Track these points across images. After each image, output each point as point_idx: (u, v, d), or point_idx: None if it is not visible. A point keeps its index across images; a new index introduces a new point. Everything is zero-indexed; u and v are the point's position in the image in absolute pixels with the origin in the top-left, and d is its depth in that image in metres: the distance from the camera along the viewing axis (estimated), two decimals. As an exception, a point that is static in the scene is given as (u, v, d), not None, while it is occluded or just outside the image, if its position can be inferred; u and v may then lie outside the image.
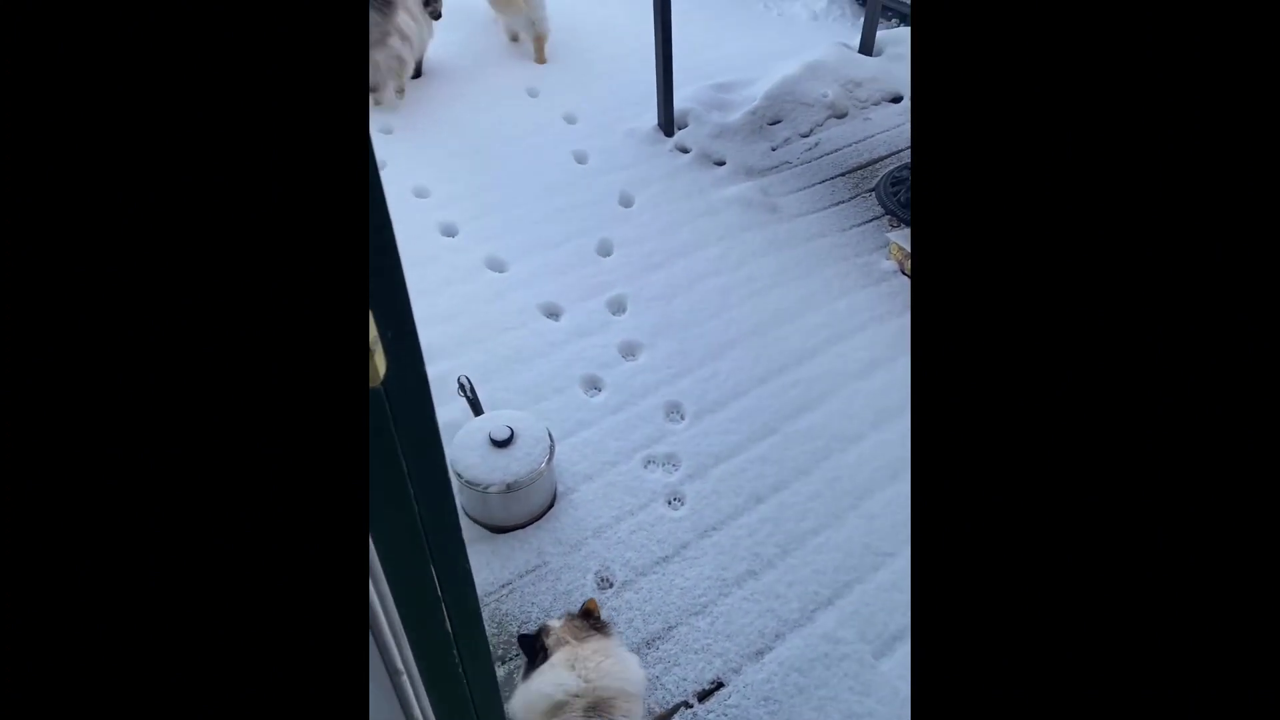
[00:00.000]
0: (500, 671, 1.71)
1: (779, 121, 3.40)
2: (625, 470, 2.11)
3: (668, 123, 3.33)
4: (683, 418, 2.26)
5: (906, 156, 3.21)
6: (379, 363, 0.70)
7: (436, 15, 3.72)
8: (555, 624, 1.50)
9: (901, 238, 2.74)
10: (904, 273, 2.68)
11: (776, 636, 1.78)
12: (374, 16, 3.38)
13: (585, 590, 1.87)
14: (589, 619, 1.50)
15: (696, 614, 1.83)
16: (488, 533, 1.98)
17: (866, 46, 3.72)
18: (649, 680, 1.67)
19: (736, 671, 1.73)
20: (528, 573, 1.91)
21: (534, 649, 1.47)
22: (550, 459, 1.95)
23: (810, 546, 1.95)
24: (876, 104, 3.53)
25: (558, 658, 1.41)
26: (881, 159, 3.22)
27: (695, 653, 1.76)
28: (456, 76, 3.78)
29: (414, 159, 3.25)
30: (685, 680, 1.72)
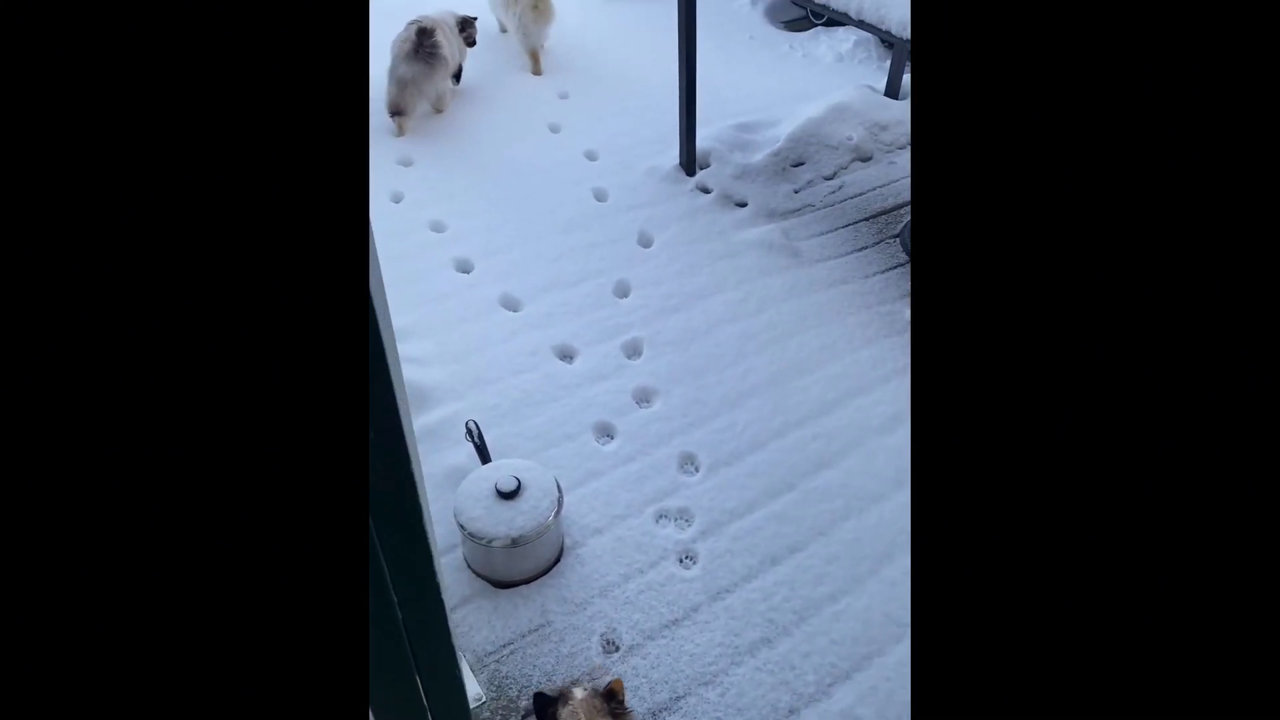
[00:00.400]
0: (497, 740, 1.63)
1: (802, 163, 3.35)
2: (636, 525, 2.03)
3: (689, 162, 3.29)
4: (697, 470, 2.18)
5: (932, 202, 3.13)
6: None
7: (471, 42, 3.83)
8: (577, 695, 1.40)
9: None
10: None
11: (790, 712, 1.69)
12: (420, 67, 3.42)
13: (590, 654, 1.78)
14: (612, 701, 1.41)
15: (706, 684, 1.73)
16: (490, 587, 1.90)
17: (892, 89, 3.68)
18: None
19: (747, 749, 1.63)
20: (530, 632, 1.82)
21: (546, 715, 1.39)
22: (558, 512, 1.87)
23: (828, 614, 1.86)
24: (902, 148, 3.47)
25: None
26: (906, 204, 3.15)
27: (704, 727, 1.67)
28: (479, 109, 3.76)
29: (432, 192, 3.22)
30: (692, 757, 1.63)
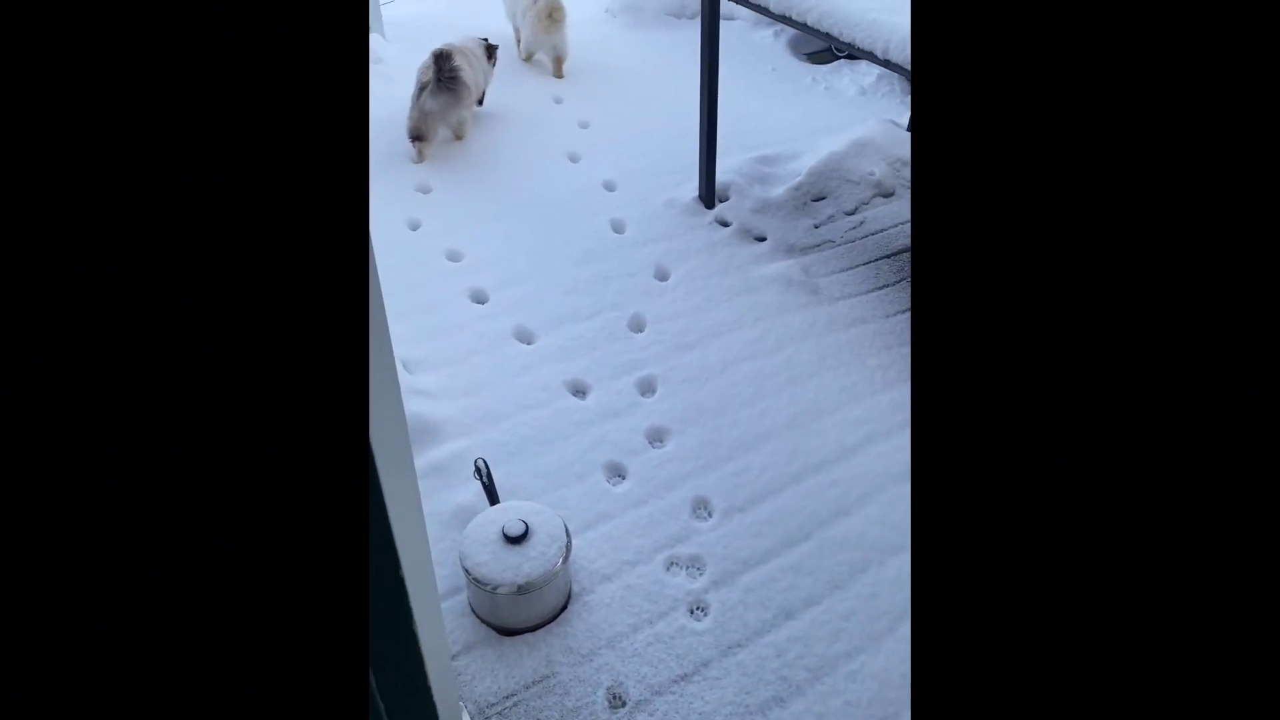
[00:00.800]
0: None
1: (823, 198, 3.30)
2: (646, 572, 1.97)
3: (709, 194, 3.25)
4: (710, 515, 2.12)
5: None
6: None
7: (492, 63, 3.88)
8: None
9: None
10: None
11: (803, 779, 1.61)
12: (444, 98, 3.42)
13: (595, 709, 1.72)
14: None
15: (715, 745, 1.66)
16: (494, 634, 1.84)
17: (916, 125, 3.64)
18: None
19: (757, 818, 1.56)
20: (534, 684, 1.76)
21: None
22: (566, 558, 1.82)
23: (843, 673, 1.78)
24: (925, 184, 3.42)
25: None
26: (929, 242, 3.10)
27: (712, 792, 1.60)
28: (499, 137, 3.76)
29: (449, 220, 3.21)
30: (699, 824, 1.56)
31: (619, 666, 1.79)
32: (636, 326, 2.73)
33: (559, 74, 4.19)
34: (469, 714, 1.70)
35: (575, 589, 1.93)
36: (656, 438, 2.34)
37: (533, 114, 3.94)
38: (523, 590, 1.76)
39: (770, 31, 4.70)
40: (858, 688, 1.75)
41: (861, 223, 3.21)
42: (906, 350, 2.61)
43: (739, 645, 1.83)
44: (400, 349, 2.53)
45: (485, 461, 2.09)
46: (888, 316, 2.75)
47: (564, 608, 1.89)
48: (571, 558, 1.88)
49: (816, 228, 3.17)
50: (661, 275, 2.95)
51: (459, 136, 3.64)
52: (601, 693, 1.75)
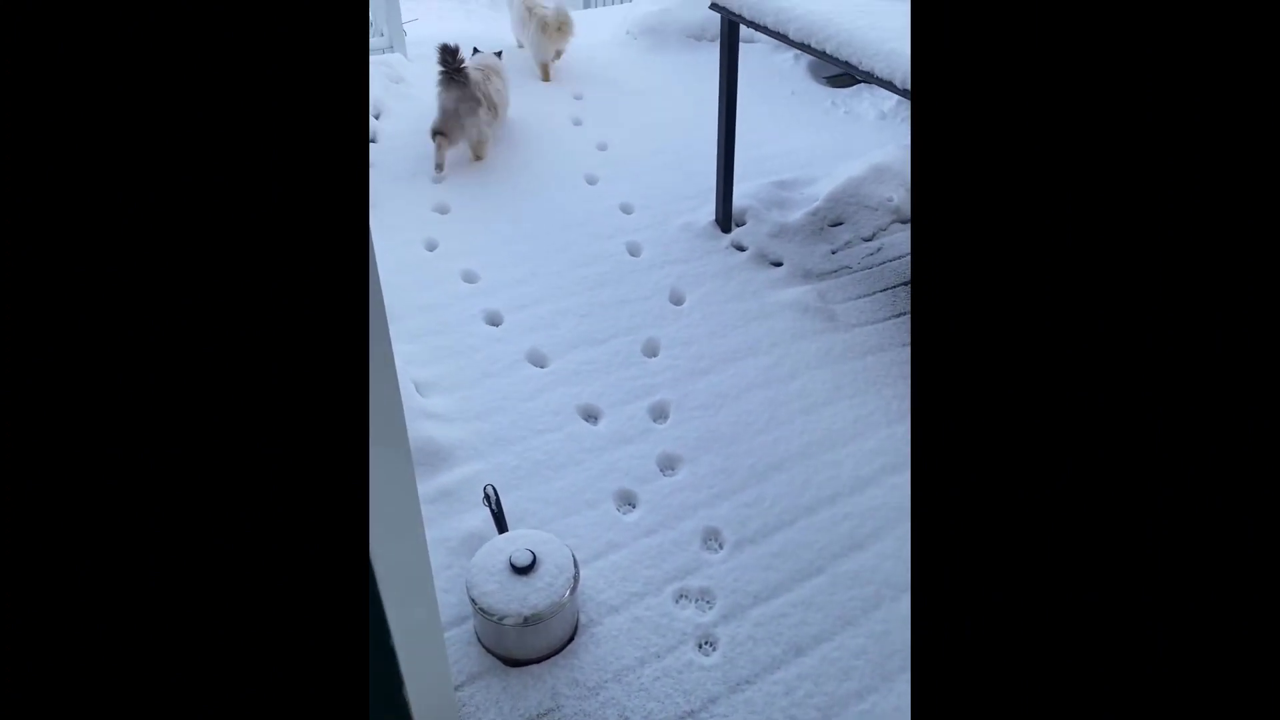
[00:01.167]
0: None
1: (841, 223, 3.28)
2: (654, 604, 1.95)
3: (725, 219, 3.24)
4: (721, 546, 2.10)
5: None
6: None
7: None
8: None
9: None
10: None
11: (811, 824, 1.58)
12: (458, 92, 3.47)
13: (600, 745, 1.69)
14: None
15: (721, 786, 1.63)
16: (500, 665, 1.82)
17: (936, 150, 3.61)
18: None
19: None
20: (539, 717, 1.74)
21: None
22: (574, 590, 1.80)
23: (853, 712, 1.75)
24: (944, 210, 3.39)
25: None
26: (948, 270, 3.07)
27: (717, 834, 1.56)
28: (518, 158, 3.77)
29: (466, 241, 3.22)
30: None
31: (625, 701, 1.77)
32: (650, 351, 2.72)
33: (546, 77, 4.38)
34: (472, 747, 1.68)
35: (583, 620, 1.91)
36: (668, 465, 2.32)
37: (552, 135, 3.96)
38: (529, 621, 1.75)
39: (791, 54, 4.69)
40: (868, 729, 1.71)
41: (879, 249, 3.19)
42: (923, 380, 2.58)
43: (747, 682, 1.80)
44: (413, 370, 2.54)
45: (494, 489, 2.08)
46: (904, 345, 2.71)
47: (571, 639, 1.87)
48: (579, 588, 1.86)
49: (834, 253, 3.15)
50: (677, 299, 2.94)
51: (478, 156, 3.67)
52: (607, 728, 1.72)
